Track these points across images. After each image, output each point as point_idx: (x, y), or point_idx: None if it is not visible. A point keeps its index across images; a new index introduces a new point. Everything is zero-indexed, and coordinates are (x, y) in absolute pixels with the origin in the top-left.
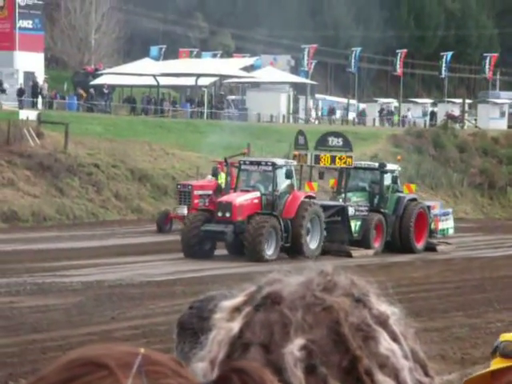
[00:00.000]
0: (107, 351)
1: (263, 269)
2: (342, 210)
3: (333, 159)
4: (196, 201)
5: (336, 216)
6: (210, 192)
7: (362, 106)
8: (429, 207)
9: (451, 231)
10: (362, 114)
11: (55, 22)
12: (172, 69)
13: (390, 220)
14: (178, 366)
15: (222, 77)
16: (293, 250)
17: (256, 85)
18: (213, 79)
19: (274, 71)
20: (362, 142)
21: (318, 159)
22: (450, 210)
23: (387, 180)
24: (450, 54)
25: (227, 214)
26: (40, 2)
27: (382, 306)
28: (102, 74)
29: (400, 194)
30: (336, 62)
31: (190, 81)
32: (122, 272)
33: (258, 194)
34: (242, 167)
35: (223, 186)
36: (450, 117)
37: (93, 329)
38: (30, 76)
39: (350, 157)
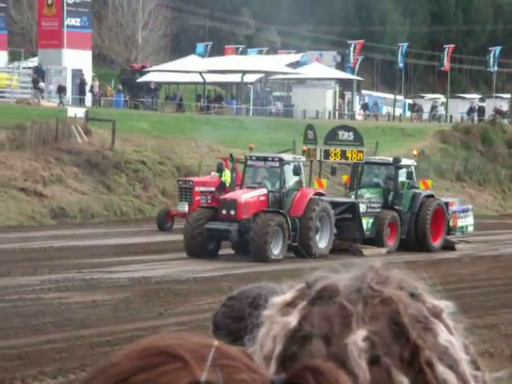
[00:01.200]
0: (181, 341)
1: (306, 265)
2: (353, 207)
3: (343, 154)
4: (197, 198)
5: (347, 213)
6: (213, 189)
7: (409, 101)
8: (446, 204)
9: (471, 228)
10: (414, 110)
11: (103, 20)
12: (218, 66)
13: (405, 217)
14: (250, 361)
15: (268, 73)
16: (301, 249)
17: (302, 81)
18: (258, 76)
19: (319, 67)
20: (408, 138)
21: (327, 154)
22: (470, 207)
23: (402, 176)
24: (498, 48)
25: (232, 212)
26: (88, 0)
27: (435, 300)
28: (148, 72)
29: (416, 190)
30: (382, 58)
31: (236, 77)
32: (168, 268)
33: (264, 190)
34: (248, 163)
35: (227, 182)
36: (498, 112)
37: (140, 324)
38: (77, 73)
39: (361, 151)
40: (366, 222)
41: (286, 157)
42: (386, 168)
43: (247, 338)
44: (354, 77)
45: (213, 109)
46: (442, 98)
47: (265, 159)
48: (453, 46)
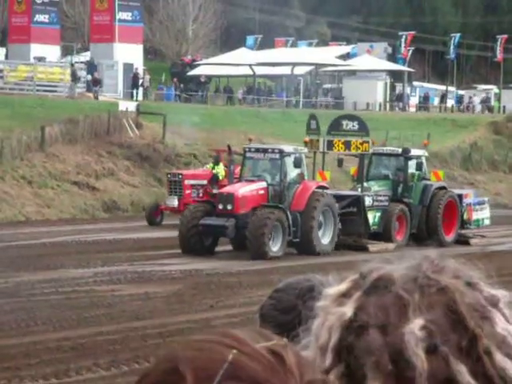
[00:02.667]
0: (198, 354)
1: (357, 258)
2: (358, 201)
3: (347, 145)
4: (187, 191)
5: (351, 207)
6: (204, 182)
7: (461, 92)
8: (460, 196)
9: (487, 222)
10: (462, 101)
11: (153, 14)
12: (268, 58)
13: (415, 210)
14: (270, 373)
15: (318, 65)
16: (303, 245)
17: (352, 73)
18: (308, 68)
19: (370, 59)
20: (460, 129)
21: (331, 145)
22: (486, 199)
23: (412, 167)
24: None
25: (229, 207)
26: None
27: (492, 289)
28: (198, 65)
29: (427, 181)
30: (434, 49)
31: (286, 70)
32: (219, 260)
33: (264, 184)
34: (247, 155)
35: (220, 175)
36: None
37: (192, 317)
38: (129, 67)
39: (367, 142)
40: (373, 216)
41: (287, 148)
42: (395, 159)
43: (301, 329)
44: (405, 68)
45: (263, 101)
46: (494, 89)
47: (264, 151)
48: (506, 36)
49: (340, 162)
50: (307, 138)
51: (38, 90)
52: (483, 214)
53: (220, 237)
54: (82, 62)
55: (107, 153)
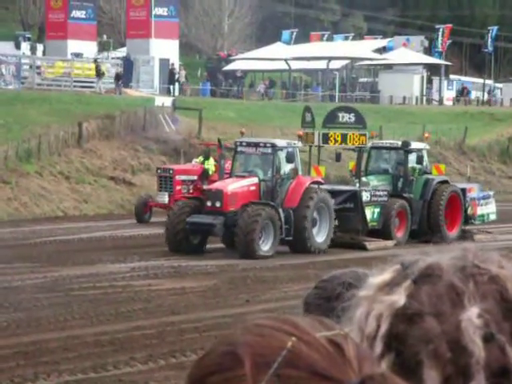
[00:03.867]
0: (257, 340)
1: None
2: (355, 196)
3: (343, 138)
4: (178, 187)
5: (348, 203)
6: (195, 177)
7: (498, 85)
8: (463, 190)
9: (493, 217)
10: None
11: (189, 9)
12: (303, 52)
13: (416, 206)
14: (328, 362)
15: (354, 59)
16: (296, 243)
17: (388, 67)
18: (344, 62)
19: (406, 52)
20: (498, 123)
21: (326, 138)
22: (491, 193)
23: (413, 161)
24: None
25: (217, 204)
26: None
27: None
28: (234, 60)
29: (428, 175)
30: (471, 42)
31: (322, 64)
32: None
33: (255, 180)
34: (238, 149)
35: (210, 170)
36: None
37: (228, 311)
38: (165, 63)
39: (364, 135)
40: (372, 212)
41: (280, 142)
42: (394, 153)
43: (344, 319)
44: (442, 61)
45: (299, 96)
46: None
47: (256, 145)
48: None
49: (338, 157)
50: (301, 132)
51: (75, 86)
52: (488, 209)
53: (208, 235)
54: (118, 58)
55: (143, 148)
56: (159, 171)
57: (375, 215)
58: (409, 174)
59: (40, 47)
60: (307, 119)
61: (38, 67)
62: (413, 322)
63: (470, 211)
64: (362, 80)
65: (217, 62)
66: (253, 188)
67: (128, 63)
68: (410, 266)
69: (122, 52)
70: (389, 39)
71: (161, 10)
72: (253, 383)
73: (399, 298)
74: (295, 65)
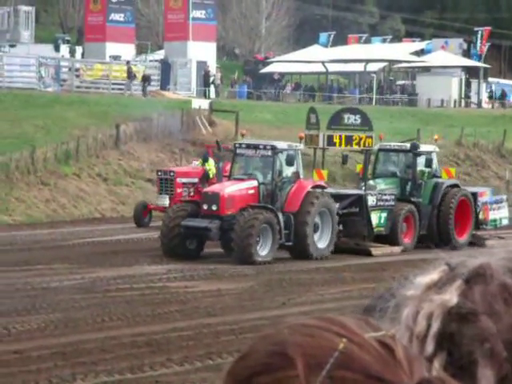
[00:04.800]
0: (308, 340)
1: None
2: (360, 200)
3: (348, 140)
4: (179, 190)
5: (353, 207)
6: (196, 180)
7: None
8: (474, 194)
9: (505, 221)
10: None
11: (227, 12)
12: (341, 55)
13: (425, 210)
14: (382, 364)
15: (392, 62)
16: (296, 249)
17: (426, 69)
18: (382, 64)
19: (445, 55)
20: None
21: (331, 141)
22: (504, 197)
23: (421, 164)
24: None
25: (214, 207)
26: None
27: None
28: (271, 62)
29: (438, 179)
30: (510, 45)
31: (359, 67)
32: (291, 258)
33: (254, 183)
34: (238, 151)
35: (211, 173)
36: None
37: (264, 314)
38: (202, 66)
39: (370, 137)
40: (378, 217)
41: (280, 144)
42: (403, 155)
43: (388, 318)
44: (481, 64)
45: (335, 98)
46: None
47: (256, 147)
48: None
49: (345, 159)
50: (303, 134)
51: (113, 89)
52: (501, 214)
53: (204, 239)
54: (156, 61)
55: (180, 150)
56: (160, 173)
57: (382, 220)
58: (417, 177)
59: (79, 50)
60: (312, 121)
61: (77, 70)
62: (467, 320)
63: (481, 216)
64: (399, 83)
65: (254, 64)
66: (251, 191)
67: (166, 66)
68: (458, 266)
69: (159, 55)
70: (427, 42)
71: (198, 13)
72: None
73: (451, 297)
74: (332, 67)
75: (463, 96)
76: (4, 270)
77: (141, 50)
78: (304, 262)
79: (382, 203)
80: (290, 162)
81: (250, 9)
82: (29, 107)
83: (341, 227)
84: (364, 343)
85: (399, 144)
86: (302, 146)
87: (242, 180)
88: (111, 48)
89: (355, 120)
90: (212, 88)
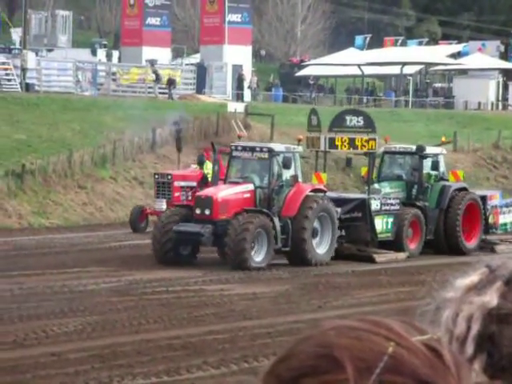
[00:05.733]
0: (355, 343)
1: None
2: (363, 204)
3: (351, 142)
4: (177, 194)
5: (356, 212)
6: (194, 183)
7: None
8: (484, 198)
9: None
10: None
11: (263, 15)
12: (377, 58)
13: (431, 214)
14: (430, 368)
15: (428, 64)
16: (294, 255)
17: (463, 72)
18: (418, 67)
19: (482, 57)
20: None
21: (333, 143)
22: None
23: (428, 166)
24: None
25: (207, 212)
26: None
27: None
28: (307, 66)
29: (445, 182)
30: None
31: (395, 69)
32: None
33: (250, 186)
34: (234, 154)
35: (209, 176)
36: None
37: (300, 317)
38: (238, 69)
39: (374, 139)
40: (384, 222)
41: (277, 147)
42: (409, 158)
43: (428, 321)
44: None
45: (372, 101)
46: None
47: (252, 149)
48: None
49: (349, 162)
50: (301, 136)
51: (149, 92)
52: None
53: (197, 245)
54: (192, 64)
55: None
56: (157, 177)
57: (388, 225)
58: (423, 180)
59: (116, 54)
60: (313, 123)
61: (114, 74)
62: (507, 322)
63: (491, 220)
64: (436, 85)
65: (289, 67)
66: (247, 195)
67: (201, 70)
68: (498, 268)
69: (195, 58)
70: (464, 44)
71: (234, 17)
72: None
73: (491, 298)
74: (368, 70)
75: (500, 99)
76: (42, 272)
77: (177, 54)
78: (340, 266)
79: (386, 207)
80: (286, 164)
81: (285, 12)
82: (66, 111)
83: (343, 232)
84: (412, 347)
85: (405, 146)
86: (300, 149)
87: (237, 183)
88: (147, 52)
89: (358, 122)
90: (247, 91)
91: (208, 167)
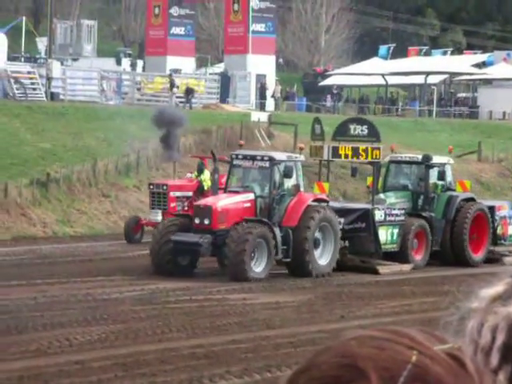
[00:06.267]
0: (377, 353)
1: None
2: (366, 215)
3: (355, 152)
4: (173, 204)
5: (359, 222)
6: (190, 194)
7: None
8: (492, 208)
9: None
10: None
11: (286, 25)
12: (401, 67)
13: (438, 225)
14: (452, 377)
15: (452, 74)
16: (295, 265)
17: (488, 82)
18: (442, 77)
19: (507, 67)
20: None
21: (336, 152)
22: None
23: (434, 176)
24: None
25: (206, 221)
26: (273, 6)
27: None
28: (330, 75)
29: (452, 192)
30: None
31: (419, 79)
32: (349, 271)
33: (251, 196)
34: (234, 163)
35: (206, 185)
36: None
37: (323, 327)
38: (262, 78)
39: (378, 148)
40: (389, 233)
41: (279, 155)
42: (415, 167)
43: (452, 331)
44: None
45: (395, 111)
46: None
47: (253, 158)
48: None
49: (354, 171)
50: (302, 145)
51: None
52: None
53: (196, 255)
54: (215, 74)
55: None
56: (152, 187)
57: (394, 236)
58: (430, 190)
59: (140, 63)
60: (317, 131)
61: (138, 83)
62: None
63: (499, 231)
64: (460, 95)
65: (313, 77)
66: (247, 205)
67: (225, 79)
68: None
69: (219, 68)
70: (488, 54)
71: (258, 26)
72: None
73: None
74: (392, 80)
75: None
76: (66, 281)
77: (201, 64)
78: (363, 275)
79: (391, 218)
80: (287, 173)
81: (309, 22)
82: (91, 120)
83: (346, 243)
84: (435, 356)
85: (411, 156)
86: (302, 158)
87: (237, 193)
88: (172, 61)
89: (362, 131)
90: (270, 101)
91: (205, 176)
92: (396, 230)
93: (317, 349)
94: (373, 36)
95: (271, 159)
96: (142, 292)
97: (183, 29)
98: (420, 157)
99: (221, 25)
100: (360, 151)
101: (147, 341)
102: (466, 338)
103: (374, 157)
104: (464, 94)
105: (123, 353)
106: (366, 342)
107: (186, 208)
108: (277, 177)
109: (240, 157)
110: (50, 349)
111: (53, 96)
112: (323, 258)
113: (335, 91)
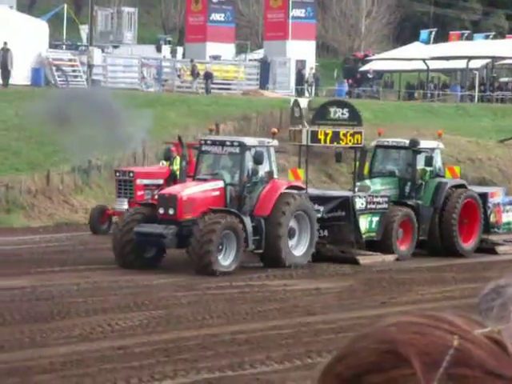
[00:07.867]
0: (418, 338)
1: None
2: (346, 203)
3: (335, 136)
4: (140, 192)
5: (339, 211)
6: (160, 181)
7: None
8: (484, 195)
9: None
10: None
11: (327, 10)
12: (442, 52)
13: (425, 213)
14: (497, 361)
15: (495, 58)
16: (268, 257)
17: None
18: (484, 61)
19: None
20: None
21: (315, 137)
22: None
23: (422, 162)
24: None
25: (170, 212)
26: None
27: None
28: (371, 60)
29: (441, 179)
30: None
31: (461, 64)
32: (391, 257)
33: (220, 184)
34: (203, 149)
35: (178, 173)
36: None
37: (363, 313)
38: (302, 64)
39: (359, 132)
40: (369, 222)
41: (249, 141)
42: (403, 152)
43: (494, 317)
44: None
45: (436, 96)
46: None
47: (222, 144)
48: None
49: (338, 157)
50: (275, 129)
51: (213, 88)
52: None
53: (160, 247)
54: (255, 60)
55: (278, 149)
56: (118, 174)
57: (373, 224)
58: (417, 176)
59: (180, 50)
60: (295, 115)
61: (178, 70)
62: None
63: (492, 218)
64: (502, 80)
65: (353, 62)
66: (216, 193)
67: (265, 65)
68: None
69: (259, 54)
70: None
71: (298, 12)
72: (425, 383)
73: None
74: (433, 65)
75: None
76: (108, 267)
77: (240, 50)
78: (405, 262)
79: (372, 206)
80: (259, 159)
81: (350, 7)
82: (131, 107)
83: (326, 233)
84: (476, 340)
85: (398, 140)
86: (275, 143)
87: (205, 181)
88: (211, 48)
89: (342, 114)
90: (311, 86)
91: (177, 163)
92: (376, 218)
93: (352, 336)
94: (413, 20)
95: (241, 145)
96: (184, 278)
97: (223, 15)
98: (407, 141)
99: (260, 11)
100: (340, 136)
101: (188, 327)
102: (510, 324)
103: (355, 141)
104: (506, 79)
105: (164, 338)
106: (405, 328)
107: (155, 197)
108: (248, 163)
109: (209, 142)
110: (93, 334)
111: (94, 83)
112: (298, 248)
113: (370, 76)
